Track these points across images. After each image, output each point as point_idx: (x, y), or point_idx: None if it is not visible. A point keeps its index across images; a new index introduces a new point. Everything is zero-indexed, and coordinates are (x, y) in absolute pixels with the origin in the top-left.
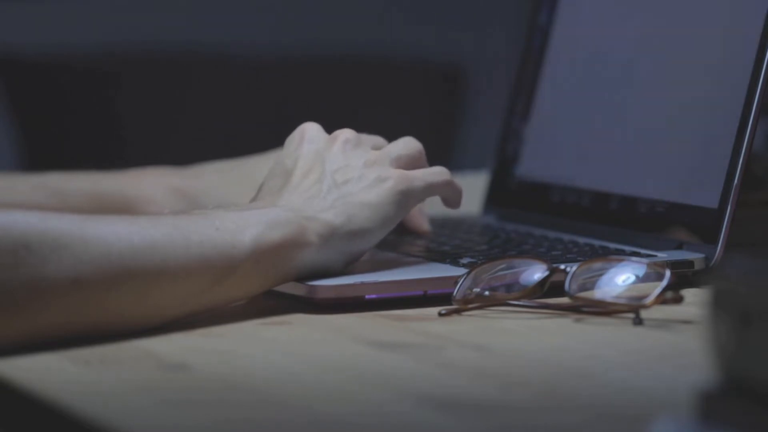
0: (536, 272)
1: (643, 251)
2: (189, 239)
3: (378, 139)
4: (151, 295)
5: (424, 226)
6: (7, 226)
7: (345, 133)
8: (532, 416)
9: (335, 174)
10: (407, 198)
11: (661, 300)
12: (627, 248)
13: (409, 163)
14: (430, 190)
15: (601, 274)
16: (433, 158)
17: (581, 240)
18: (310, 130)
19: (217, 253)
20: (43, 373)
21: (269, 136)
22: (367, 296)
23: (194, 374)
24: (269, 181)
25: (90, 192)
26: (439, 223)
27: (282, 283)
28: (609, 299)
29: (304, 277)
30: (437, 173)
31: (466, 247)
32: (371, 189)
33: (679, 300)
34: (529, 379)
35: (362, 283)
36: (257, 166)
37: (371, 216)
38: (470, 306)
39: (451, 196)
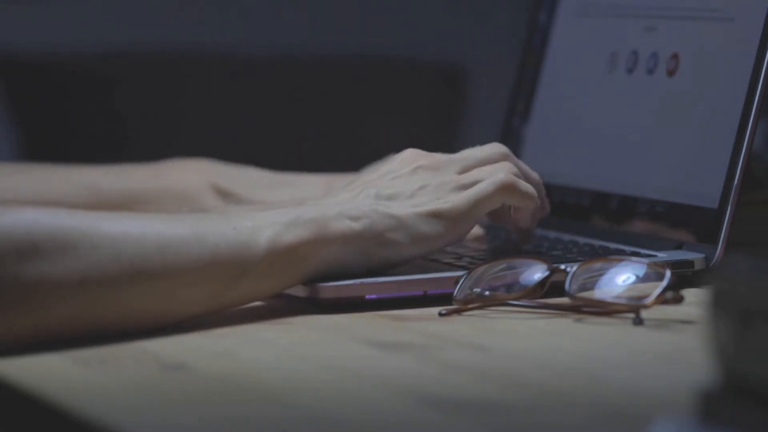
0: (536, 272)
1: (643, 251)
2: (203, 240)
3: (469, 162)
4: (162, 296)
5: (524, 224)
6: (14, 225)
7: (424, 160)
8: (532, 416)
9: (384, 189)
10: (448, 221)
11: (661, 300)
12: (627, 248)
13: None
14: (477, 207)
15: (601, 274)
16: None
17: (581, 240)
18: (405, 152)
19: (231, 254)
20: (44, 373)
21: (270, 137)
22: (367, 296)
23: (194, 374)
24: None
25: (126, 188)
26: None
27: (301, 282)
28: (609, 299)
29: (324, 278)
30: (487, 185)
31: (467, 247)
32: (408, 208)
33: (679, 300)
34: (529, 379)
35: (362, 283)
36: (301, 183)
37: (395, 227)
38: (470, 306)
39: (521, 204)
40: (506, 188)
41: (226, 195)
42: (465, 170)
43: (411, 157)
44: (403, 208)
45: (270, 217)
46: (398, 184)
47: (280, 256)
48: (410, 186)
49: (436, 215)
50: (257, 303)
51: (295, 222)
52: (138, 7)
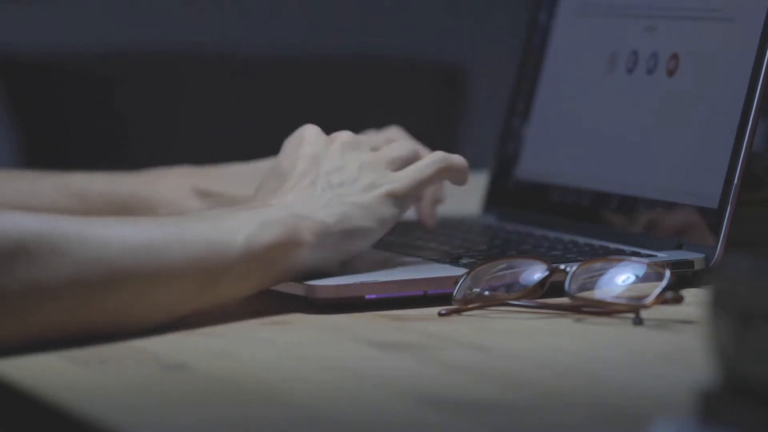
0: (536, 272)
1: (643, 251)
2: (185, 240)
3: (377, 140)
4: (148, 296)
5: (431, 221)
6: (4, 228)
7: (343, 136)
8: (532, 416)
9: (330, 175)
10: (401, 200)
11: (661, 300)
12: (627, 248)
13: (403, 165)
14: (423, 186)
15: (601, 274)
16: None
17: (581, 240)
18: (309, 132)
19: (212, 253)
20: (44, 373)
21: (269, 136)
22: (367, 296)
23: (194, 374)
24: (267, 182)
25: (112, 194)
26: (439, 223)
27: (278, 282)
28: (609, 299)
29: (300, 276)
30: (429, 165)
31: (466, 247)
32: (365, 192)
33: (679, 300)
34: (529, 379)
35: (362, 283)
36: None
37: (364, 215)
38: (470, 306)
39: (452, 177)
40: (448, 166)
41: (209, 196)
42: (374, 146)
43: (321, 135)
44: (360, 195)
45: (245, 218)
46: (338, 167)
47: (258, 254)
48: (350, 168)
49: (391, 196)
50: (257, 303)
51: (268, 221)
52: (138, 7)
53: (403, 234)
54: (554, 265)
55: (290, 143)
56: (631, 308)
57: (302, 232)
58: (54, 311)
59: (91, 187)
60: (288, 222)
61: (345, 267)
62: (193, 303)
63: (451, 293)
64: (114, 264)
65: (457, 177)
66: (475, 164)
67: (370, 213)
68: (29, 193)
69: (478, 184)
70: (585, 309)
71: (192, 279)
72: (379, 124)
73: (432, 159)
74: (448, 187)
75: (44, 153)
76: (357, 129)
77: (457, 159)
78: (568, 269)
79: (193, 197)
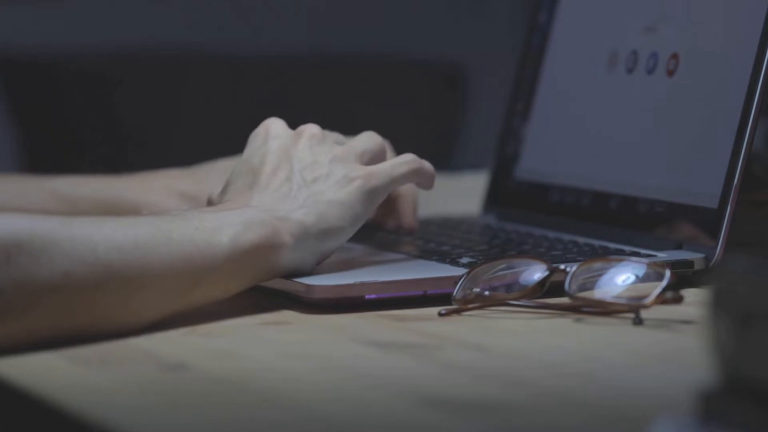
0: (536, 272)
1: (643, 251)
2: (170, 238)
3: (339, 136)
4: (136, 294)
5: (413, 223)
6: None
7: (310, 129)
8: (532, 416)
9: (303, 171)
10: (374, 195)
11: (661, 300)
12: (627, 248)
13: (372, 159)
14: (395, 183)
15: (601, 274)
16: (433, 158)
17: (581, 240)
18: (275, 126)
19: (197, 252)
20: (43, 373)
21: None
22: (367, 296)
23: (194, 374)
24: (236, 179)
25: (99, 198)
26: (439, 223)
27: (260, 282)
28: (609, 299)
29: (280, 277)
30: (402, 164)
31: (466, 247)
32: (340, 188)
33: (679, 300)
34: (529, 379)
35: (362, 283)
36: None
37: (341, 214)
38: (470, 306)
39: (422, 181)
40: (420, 167)
41: (193, 200)
42: (338, 140)
43: (287, 128)
44: (335, 191)
45: (227, 218)
46: (310, 162)
47: (242, 254)
48: (321, 163)
49: (366, 191)
50: (257, 303)
51: (250, 222)
52: (138, 7)
53: (404, 234)
54: (554, 265)
55: (256, 138)
56: (631, 308)
57: (282, 234)
58: (47, 309)
59: (79, 192)
60: (269, 223)
61: (318, 268)
62: (178, 302)
63: (451, 293)
64: (103, 260)
65: (426, 181)
66: (475, 164)
67: (345, 210)
68: (17, 196)
69: (478, 184)
70: (585, 309)
71: (178, 277)
72: (380, 124)
73: (405, 158)
74: (449, 187)
75: (44, 153)
76: (357, 129)
77: (428, 163)
78: (568, 269)
79: (180, 202)
